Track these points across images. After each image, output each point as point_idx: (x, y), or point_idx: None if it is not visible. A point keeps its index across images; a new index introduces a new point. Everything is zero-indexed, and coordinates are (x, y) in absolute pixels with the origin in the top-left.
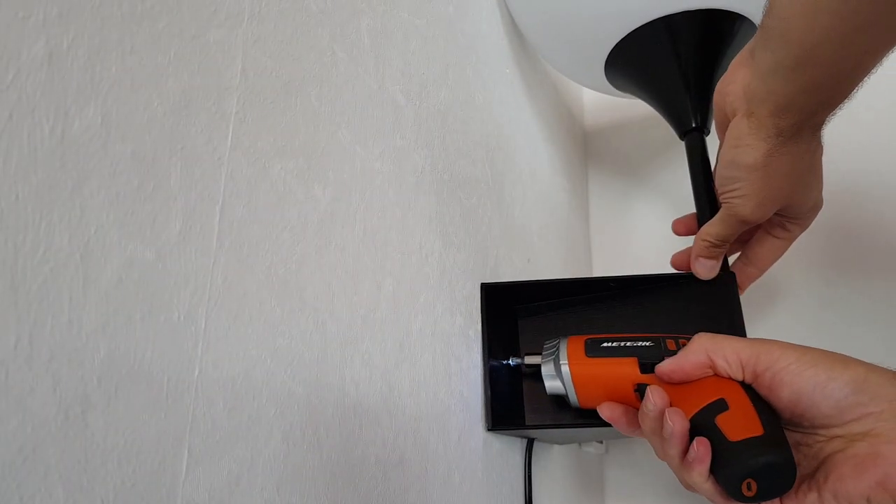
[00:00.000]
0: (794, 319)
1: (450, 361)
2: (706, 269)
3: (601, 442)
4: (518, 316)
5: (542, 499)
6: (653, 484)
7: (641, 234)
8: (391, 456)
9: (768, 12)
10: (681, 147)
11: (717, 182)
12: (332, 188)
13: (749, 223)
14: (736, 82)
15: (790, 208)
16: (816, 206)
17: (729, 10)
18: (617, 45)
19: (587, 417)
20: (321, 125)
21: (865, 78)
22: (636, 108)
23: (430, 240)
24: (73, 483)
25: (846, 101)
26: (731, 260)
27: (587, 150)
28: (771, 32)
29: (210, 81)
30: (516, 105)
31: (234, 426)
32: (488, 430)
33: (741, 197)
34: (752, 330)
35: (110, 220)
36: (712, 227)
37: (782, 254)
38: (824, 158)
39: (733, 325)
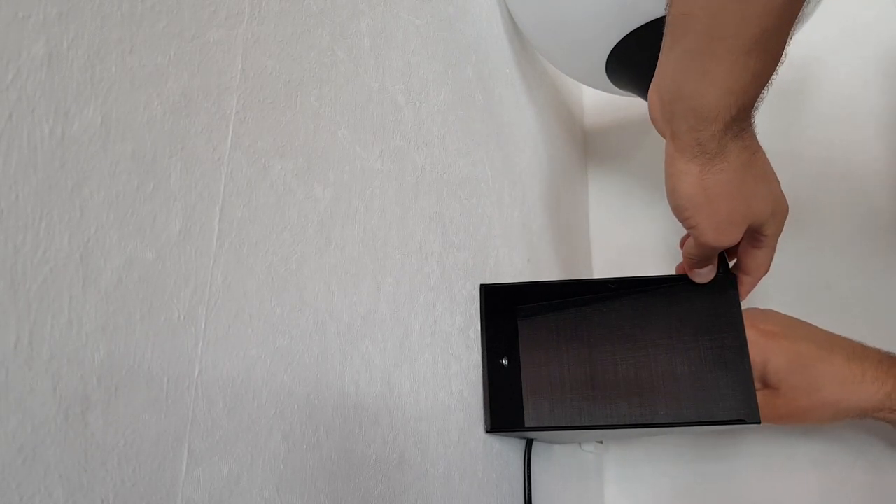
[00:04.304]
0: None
1: (450, 362)
2: (701, 277)
3: (601, 442)
4: (518, 316)
5: (541, 499)
6: (653, 484)
7: (642, 234)
8: (391, 456)
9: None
10: None
11: (671, 209)
12: (332, 188)
13: (720, 248)
14: (654, 106)
15: (754, 222)
16: (778, 211)
17: None
18: (618, 44)
19: (586, 419)
20: (321, 125)
21: (780, 65)
22: (636, 108)
23: (430, 240)
24: (73, 483)
25: (765, 91)
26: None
27: (587, 149)
28: (686, 20)
29: (210, 81)
30: (516, 105)
31: (234, 426)
32: (487, 431)
33: (696, 227)
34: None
35: (110, 220)
36: (690, 248)
37: (770, 260)
38: (826, 159)
39: (734, 327)
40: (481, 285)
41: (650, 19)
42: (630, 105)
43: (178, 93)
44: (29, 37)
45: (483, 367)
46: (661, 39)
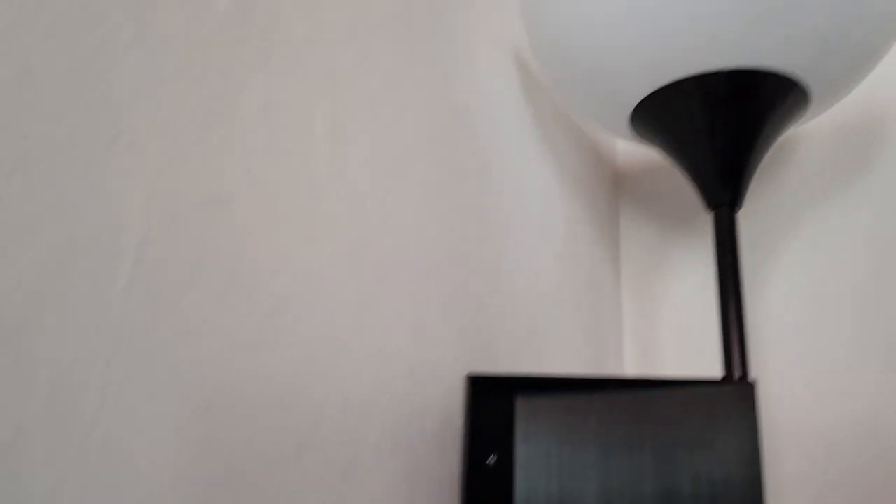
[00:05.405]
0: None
1: (415, 477)
2: None
3: None
4: (515, 396)
5: None
6: None
7: (682, 291)
8: None
9: None
10: None
11: None
12: (271, 298)
13: None
14: None
15: None
16: None
17: (772, 71)
18: (642, 101)
19: None
20: (251, 238)
21: None
22: None
23: (397, 337)
24: None
25: None
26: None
27: (619, 194)
28: None
29: (101, 220)
30: (524, 158)
31: None
32: None
33: None
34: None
35: None
36: None
37: None
38: (846, 175)
39: (750, 434)
40: (468, 376)
41: (679, 79)
42: None
43: (62, 237)
44: None
45: (461, 474)
46: (692, 101)
